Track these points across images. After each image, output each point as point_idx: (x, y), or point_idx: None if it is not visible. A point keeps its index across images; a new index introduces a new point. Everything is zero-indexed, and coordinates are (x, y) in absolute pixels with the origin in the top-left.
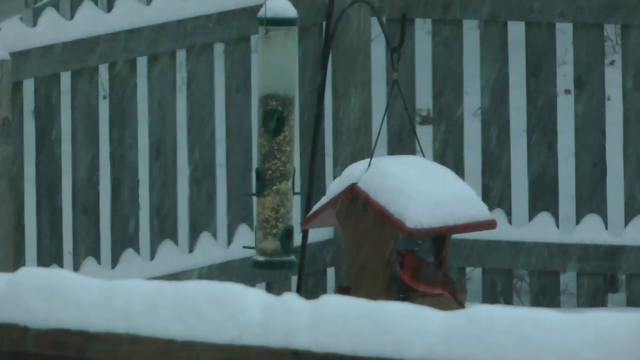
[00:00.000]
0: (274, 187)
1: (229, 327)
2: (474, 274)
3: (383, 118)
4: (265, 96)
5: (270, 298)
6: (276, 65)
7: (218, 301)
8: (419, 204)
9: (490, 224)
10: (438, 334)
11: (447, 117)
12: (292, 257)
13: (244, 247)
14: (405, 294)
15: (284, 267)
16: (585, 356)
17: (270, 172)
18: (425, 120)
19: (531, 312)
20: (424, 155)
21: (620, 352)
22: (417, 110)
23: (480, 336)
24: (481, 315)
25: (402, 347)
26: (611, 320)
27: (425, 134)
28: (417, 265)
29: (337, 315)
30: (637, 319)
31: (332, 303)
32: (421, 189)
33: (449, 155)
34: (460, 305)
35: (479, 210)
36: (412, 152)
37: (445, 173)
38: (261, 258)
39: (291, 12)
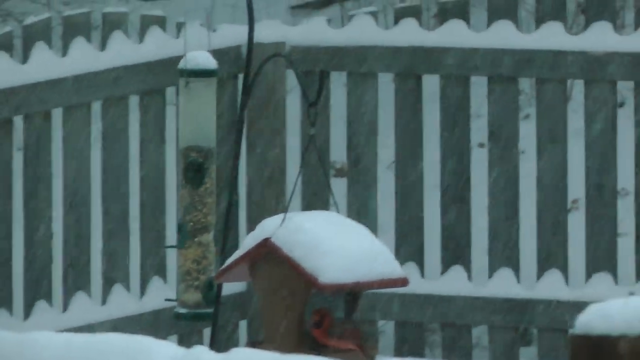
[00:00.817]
0: (196, 239)
1: None
2: (387, 328)
3: (298, 173)
4: (186, 148)
5: (180, 350)
6: (196, 116)
7: (128, 354)
8: (333, 259)
9: (402, 282)
10: None
11: (361, 170)
12: (212, 310)
13: (166, 299)
14: (317, 349)
15: (206, 319)
16: None
17: (191, 224)
18: (339, 174)
19: None
20: (337, 209)
21: None
22: (331, 163)
23: None
24: None
25: None
26: None
27: (339, 187)
28: (330, 322)
29: None
30: None
31: (242, 356)
32: (335, 245)
33: (363, 208)
34: None
35: (391, 267)
36: (327, 205)
37: (358, 229)
38: (183, 310)
39: (211, 63)
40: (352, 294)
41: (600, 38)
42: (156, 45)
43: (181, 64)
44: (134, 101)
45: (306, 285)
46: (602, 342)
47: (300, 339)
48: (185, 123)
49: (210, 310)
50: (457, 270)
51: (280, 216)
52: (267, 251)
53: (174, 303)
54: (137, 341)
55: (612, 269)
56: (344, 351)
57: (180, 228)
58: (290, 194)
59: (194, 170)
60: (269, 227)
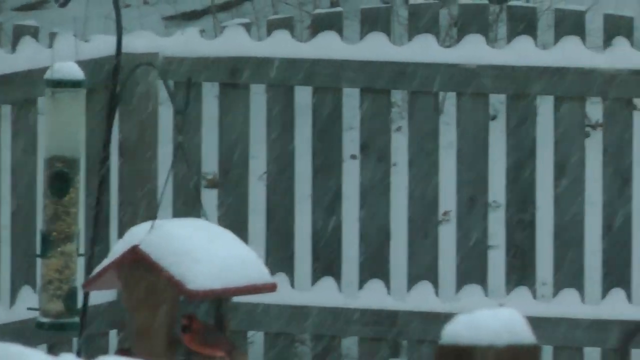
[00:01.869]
0: (59, 249)
1: None
2: (256, 338)
3: (167, 180)
4: (51, 158)
5: (48, 359)
6: (63, 127)
7: None
8: (202, 266)
9: (271, 287)
10: None
11: (233, 181)
12: (77, 319)
13: (28, 308)
14: (187, 356)
15: (68, 329)
16: None
17: (55, 233)
18: (211, 184)
19: None
20: (207, 219)
21: None
22: (203, 174)
23: None
24: None
25: None
26: None
27: (211, 197)
28: (201, 329)
29: None
30: None
31: None
32: (204, 252)
33: (234, 218)
34: None
35: (260, 273)
36: (197, 215)
37: (228, 236)
38: (45, 320)
39: (78, 74)
40: (221, 300)
41: (473, 51)
42: (28, 56)
43: (47, 75)
44: (6, 111)
45: (175, 292)
46: (469, 351)
47: (170, 345)
48: (51, 133)
49: (74, 319)
50: (327, 281)
51: (149, 223)
52: (135, 258)
53: (37, 312)
54: (5, 350)
55: (483, 281)
56: (212, 358)
57: (44, 238)
58: (159, 201)
59: (58, 180)
60: (138, 234)
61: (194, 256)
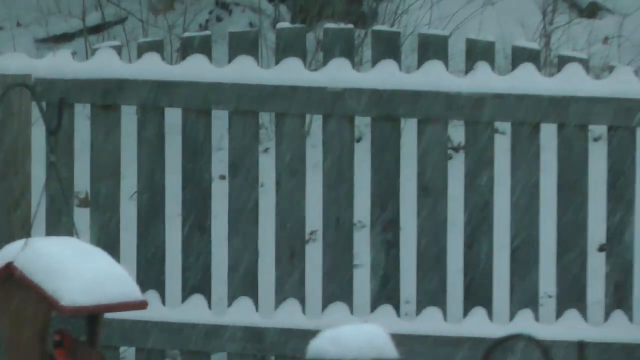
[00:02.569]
0: None
1: None
2: (128, 354)
3: (40, 199)
4: None
5: None
6: None
7: None
8: (74, 283)
9: (141, 304)
10: None
11: (104, 200)
12: None
13: None
14: None
15: None
16: None
17: None
18: (83, 203)
19: None
20: (79, 237)
21: None
22: (75, 193)
23: None
24: None
25: None
26: None
27: (83, 216)
28: (73, 345)
29: None
30: None
31: None
32: (76, 269)
33: (105, 237)
34: None
35: (131, 290)
36: (70, 233)
37: (99, 254)
38: None
39: None
40: (93, 317)
41: (339, 74)
42: None
43: None
44: None
45: (48, 308)
46: None
47: None
48: None
49: None
50: (197, 298)
51: (22, 241)
52: (8, 275)
53: None
54: None
55: (348, 299)
56: None
57: None
58: (32, 219)
59: None
60: (11, 252)
61: (66, 273)
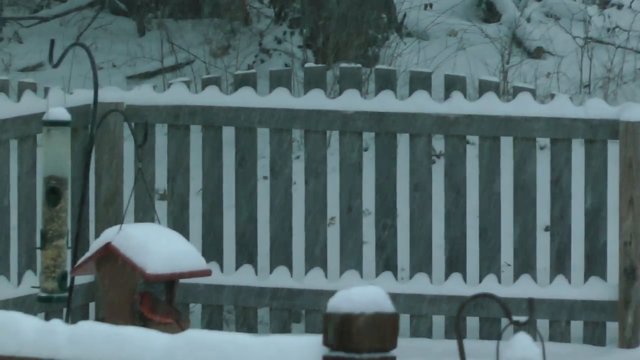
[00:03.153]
0: (53, 243)
1: (10, 344)
2: (196, 309)
3: (130, 195)
4: (47, 177)
5: (41, 323)
6: (55, 154)
7: (2, 324)
8: (155, 257)
9: (207, 272)
10: (163, 350)
11: (177, 195)
12: (66, 294)
13: (32, 287)
14: (145, 322)
15: (60, 302)
16: None
17: (50, 232)
18: (162, 198)
19: (231, 335)
20: (159, 223)
21: None
22: (156, 190)
23: (193, 352)
24: (194, 337)
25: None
26: (290, 341)
27: (162, 207)
28: (153, 302)
29: (89, 336)
30: (308, 341)
31: (86, 327)
32: (157, 247)
33: (179, 223)
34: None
35: (199, 262)
36: (152, 220)
37: (175, 235)
38: (44, 294)
39: (66, 116)
40: (170, 282)
41: (351, 101)
42: (29, 104)
43: (44, 117)
44: (13, 144)
45: (136, 276)
46: (346, 318)
47: (132, 315)
48: (46, 159)
49: (65, 294)
50: (247, 268)
51: (117, 227)
52: (108, 252)
53: (38, 289)
54: (8, 315)
55: (359, 267)
56: (164, 324)
57: (43, 235)
58: (124, 211)
59: (52, 193)
60: (109, 234)
61: (149, 250)
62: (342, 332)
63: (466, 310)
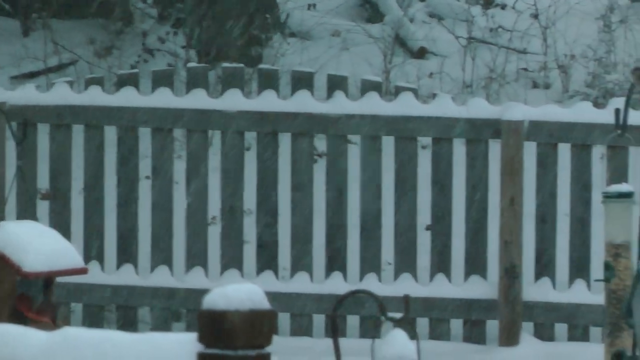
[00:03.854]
0: None
1: None
2: (77, 308)
3: (8, 193)
4: None
5: None
6: None
7: None
8: (34, 255)
9: (84, 271)
10: (41, 347)
11: (60, 194)
12: None
13: None
14: (23, 321)
15: None
16: None
17: None
18: (44, 197)
19: (109, 333)
20: (39, 221)
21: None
22: (38, 189)
23: (70, 350)
24: (72, 335)
25: (16, 356)
26: (165, 338)
27: (44, 206)
28: (31, 300)
29: None
30: (183, 338)
31: None
32: (36, 245)
33: (60, 222)
34: None
35: (76, 261)
36: (34, 218)
37: (54, 234)
38: None
39: None
40: (48, 280)
41: (233, 100)
42: None
43: None
44: None
45: (13, 273)
46: (221, 314)
47: (11, 313)
48: None
49: None
50: (128, 267)
51: None
52: None
53: None
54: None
55: (240, 266)
56: (40, 322)
57: None
58: (4, 208)
59: None
60: None
61: (28, 248)
62: (217, 329)
63: (346, 308)
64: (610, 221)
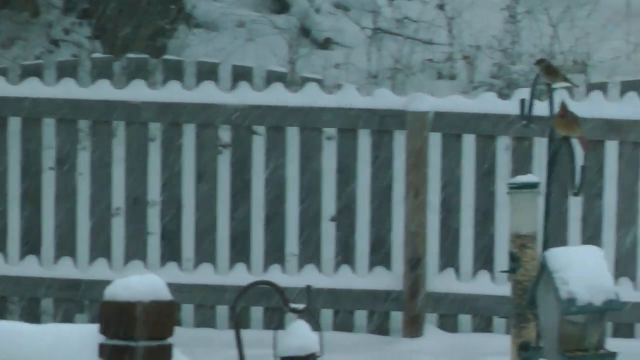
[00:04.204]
0: None
1: None
2: None
3: None
4: None
5: None
6: None
7: None
8: None
9: None
10: None
11: None
12: None
13: None
14: None
15: None
16: (51, 355)
17: None
18: None
19: (11, 324)
20: None
21: (73, 351)
22: None
23: None
24: None
25: None
26: (68, 329)
27: None
28: None
29: None
30: (86, 329)
31: None
32: None
33: None
34: None
35: None
36: None
37: None
38: None
39: None
40: None
41: (138, 91)
42: None
43: None
44: None
45: None
46: (124, 306)
47: None
48: None
49: None
50: (31, 258)
51: None
52: None
53: None
54: None
55: (144, 258)
56: None
57: None
58: None
59: None
60: None
61: None
62: (119, 320)
63: (250, 300)
64: (516, 212)
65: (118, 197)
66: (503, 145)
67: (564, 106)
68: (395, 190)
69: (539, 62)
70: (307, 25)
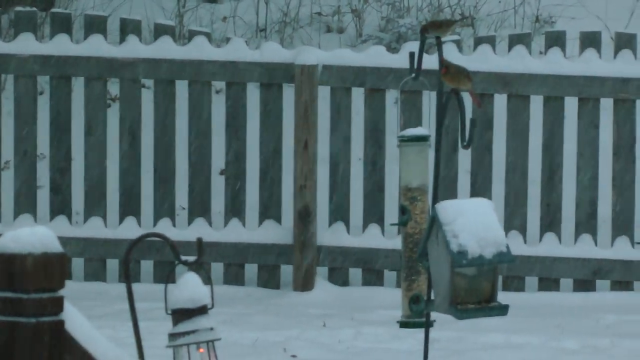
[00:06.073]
0: None
1: None
2: None
3: None
4: None
5: None
6: None
7: None
8: None
9: None
10: None
11: None
12: None
13: None
14: None
15: None
16: None
17: None
18: None
19: None
20: None
21: None
22: None
23: None
24: None
25: None
26: None
27: None
28: None
29: None
30: None
31: None
32: None
33: None
34: None
35: None
36: None
37: None
38: None
39: None
40: None
41: (26, 45)
42: None
43: None
44: None
45: None
46: (14, 258)
47: None
48: None
49: None
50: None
51: None
52: None
53: None
54: None
55: (33, 211)
56: None
57: None
58: None
59: None
60: None
61: None
62: (9, 272)
63: (140, 253)
64: (406, 165)
65: (7, 151)
66: (392, 99)
67: (444, 62)
68: (285, 144)
69: (423, 29)
70: None
